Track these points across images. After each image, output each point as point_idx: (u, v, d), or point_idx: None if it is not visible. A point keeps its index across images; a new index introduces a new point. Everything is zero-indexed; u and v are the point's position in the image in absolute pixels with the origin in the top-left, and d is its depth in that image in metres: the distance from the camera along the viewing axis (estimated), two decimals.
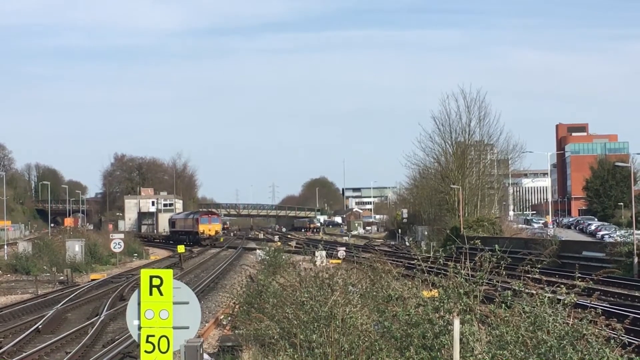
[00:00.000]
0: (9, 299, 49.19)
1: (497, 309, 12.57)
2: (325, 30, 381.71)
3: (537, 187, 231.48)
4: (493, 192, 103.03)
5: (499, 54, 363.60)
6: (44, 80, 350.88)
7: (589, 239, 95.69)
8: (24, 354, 27.12)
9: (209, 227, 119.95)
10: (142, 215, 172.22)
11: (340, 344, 15.43)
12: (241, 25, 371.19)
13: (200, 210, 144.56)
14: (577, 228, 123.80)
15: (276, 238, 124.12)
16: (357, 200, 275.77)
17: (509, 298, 12.57)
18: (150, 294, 12.76)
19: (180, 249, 79.24)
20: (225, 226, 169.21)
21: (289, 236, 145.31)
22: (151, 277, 12.79)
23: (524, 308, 12.05)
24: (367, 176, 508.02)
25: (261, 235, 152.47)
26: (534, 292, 12.40)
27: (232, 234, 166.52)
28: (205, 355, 23.24)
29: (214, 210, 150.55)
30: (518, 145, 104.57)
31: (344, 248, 74.69)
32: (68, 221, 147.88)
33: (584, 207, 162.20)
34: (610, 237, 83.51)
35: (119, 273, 67.03)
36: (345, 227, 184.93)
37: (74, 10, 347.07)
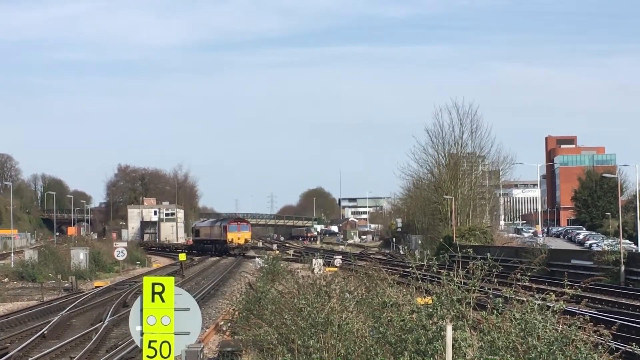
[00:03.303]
0: (16, 305, 49.10)
1: (488, 316, 12.56)
2: (320, 46, 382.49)
3: (527, 198, 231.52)
4: (484, 202, 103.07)
5: (491, 69, 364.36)
6: (50, 92, 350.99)
7: (578, 247, 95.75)
8: (30, 359, 27.08)
9: (237, 236, 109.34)
10: (144, 225, 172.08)
11: (337, 349, 15.42)
12: (240, 40, 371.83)
13: (229, 217, 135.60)
14: (565, 237, 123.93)
15: (275, 246, 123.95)
16: (353, 210, 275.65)
17: (500, 305, 12.57)
18: (153, 300, 12.75)
19: (182, 257, 79.14)
20: None
21: (287, 245, 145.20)
22: (153, 285, 12.78)
23: (514, 314, 12.04)
24: (362, 187, 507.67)
25: (260, 244, 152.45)
26: (525, 299, 12.40)
27: None
28: None
29: (242, 217, 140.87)
30: (509, 157, 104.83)
31: (341, 256, 74.65)
32: (71, 230, 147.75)
33: (572, 217, 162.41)
34: (598, 245, 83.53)
35: (122, 280, 66.92)
36: (342, 236, 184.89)
37: (79, 25, 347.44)
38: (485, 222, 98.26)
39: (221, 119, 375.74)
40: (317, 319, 16.10)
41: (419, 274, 15.33)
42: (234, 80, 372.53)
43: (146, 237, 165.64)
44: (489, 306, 12.82)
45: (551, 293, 12.61)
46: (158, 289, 12.75)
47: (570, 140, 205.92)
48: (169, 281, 12.91)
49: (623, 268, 52.84)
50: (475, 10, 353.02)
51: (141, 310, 12.84)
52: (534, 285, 13.99)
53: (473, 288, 13.18)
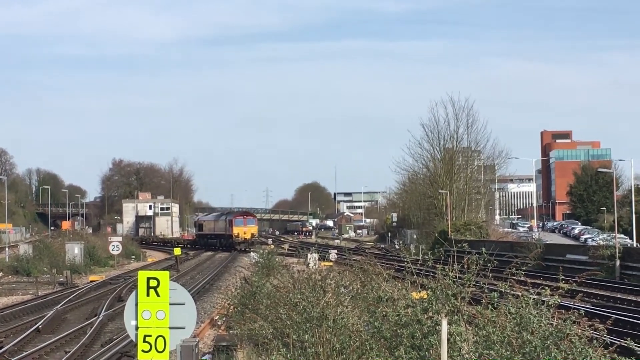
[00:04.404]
0: (10, 299, 49.05)
1: (483, 310, 12.58)
2: (317, 41, 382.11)
3: (523, 192, 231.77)
4: (480, 196, 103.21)
5: (487, 64, 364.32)
6: (46, 87, 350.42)
7: (573, 242, 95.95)
8: (25, 353, 27.05)
9: (244, 230, 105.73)
10: (139, 219, 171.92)
11: (332, 344, 15.43)
12: (237, 35, 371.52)
13: (234, 210, 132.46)
14: (561, 232, 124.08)
15: (270, 241, 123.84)
16: (348, 204, 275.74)
17: (495, 299, 12.58)
18: (148, 295, 12.75)
19: (177, 251, 79.11)
20: None
21: (282, 239, 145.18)
22: (148, 279, 12.78)
23: (509, 309, 12.05)
24: (358, 181, 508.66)
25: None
26: (520, 293, 12.41)
27: None
28: (207, 356, 23.26)
29: (249, 211, 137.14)
30: (504, 151, 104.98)
31: (336, 251, 74.69)
32: (66, 224, 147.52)
33: (567, 212, 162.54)
34: (593, 240, 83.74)
35: (117, 275, 66.90)
36: (337, 231, 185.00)
37: (76, 20, 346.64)
38: (480, 216, 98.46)
39: (217, 113, 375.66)
40: (312, 314, 16.11)
41: (414, 268, 15.34)
42: (230, 75, 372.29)
43: (141, 231, 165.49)
44: (484, 301, 12.84)
45: (546, 288, 12.62)
46: (153, 283, 12.75)
47: (566, 135, 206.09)
48: (164, 275, 12.92)
49: (618, 263, 52.93)
50: (473, 5, 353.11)
51: (136, 304, 12.84)
52: (529, 280, 14.01)
53: (468, 282, 13.19)
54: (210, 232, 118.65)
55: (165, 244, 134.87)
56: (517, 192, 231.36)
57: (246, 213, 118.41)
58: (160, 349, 12.80)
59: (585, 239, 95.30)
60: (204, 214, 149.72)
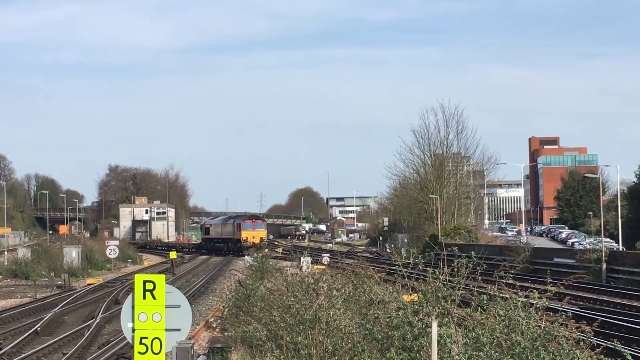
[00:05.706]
0: (9, 302, 48.93)
1: (473, 312, 12.58)
2: (310, 49, 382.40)
3: (511, 197, 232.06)
4: (469, 201, 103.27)
5: (476, 71, 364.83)
6: (43, 93, 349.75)
7: (560, 246, 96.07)
8: (23, 355, 26.99)
9: (252, 234, 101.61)
10: (136, 223, 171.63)
11: (325, 346, 15.41)
12: (232, 42, 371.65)
13: (243, 214, 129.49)
14: (548, 236, 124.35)
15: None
16: (341, 209, 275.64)
17: (485, 302, 12.59)
18: (144, 297, 12.73)
19: (173, 254, 79.01)
20: None
21: (275, 243, 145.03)
22: (145, 282, 12.76)
23: (498, 311, 12.06)
24: (350, 186, 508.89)
25: None
26: (508, 296, 12.42)
27: None
28: (202, 357, 23.22)
29: (258, 214, 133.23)
30: (493, 157, 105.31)
31: (328, 254, 74.65)
32: (63, 228, 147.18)
33: (555, 216, 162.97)
34: (580, 244, 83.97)
35: (114, 278, 66.75)
36: (330, 235, 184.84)
37: (72, 27, 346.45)
38: (470, 221, 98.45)
39: (212, 119, 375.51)
40: (305, 316, 16.10)
41: (405, 271, 15.33)
42: (225, 81, 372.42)
43: (137, 235, 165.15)
44: (473, 303, 12.84)
45: (534, 290, 12.63)
46: (149, 286, 12.74)
47: (553, 141, 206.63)
48: (160, 279, 12.91)
49: (604, 266, 53.04)
50: (462, 14, 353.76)
51: (133, 307, 12.82)
52: (518, 283, 14.06)
53: (458, 285, 13.20)
54: (218, 236, 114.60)
55: (169, 249, 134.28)
56: (505, 197, 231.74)
57: (255, 217, 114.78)
58: (156, 351, 12.78)
59: (572, 243, 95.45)
60: (210, 217, 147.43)
